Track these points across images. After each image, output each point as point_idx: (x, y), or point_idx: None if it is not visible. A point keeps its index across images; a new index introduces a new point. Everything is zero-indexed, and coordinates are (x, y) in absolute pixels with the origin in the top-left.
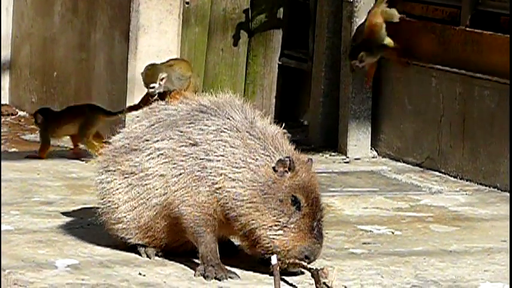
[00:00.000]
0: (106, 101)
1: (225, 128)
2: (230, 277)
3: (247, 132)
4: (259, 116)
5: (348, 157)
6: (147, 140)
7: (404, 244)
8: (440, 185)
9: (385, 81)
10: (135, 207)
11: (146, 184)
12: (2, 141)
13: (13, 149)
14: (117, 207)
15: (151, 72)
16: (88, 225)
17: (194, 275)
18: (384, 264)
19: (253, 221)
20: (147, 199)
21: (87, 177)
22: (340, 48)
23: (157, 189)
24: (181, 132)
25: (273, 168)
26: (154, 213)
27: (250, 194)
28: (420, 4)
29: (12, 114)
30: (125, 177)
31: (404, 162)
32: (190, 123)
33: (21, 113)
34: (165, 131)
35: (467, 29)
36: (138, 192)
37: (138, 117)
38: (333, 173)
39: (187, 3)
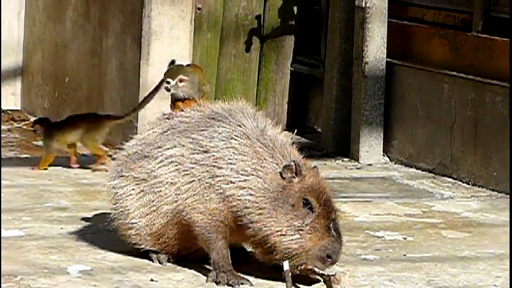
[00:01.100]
0: (118, 107)
1: (235, 135)
2: (242, 283)
3: (257, 140)
4: (271, 125)
5: (360, 163)
6: (159, 147)
7: (416, 250)
8: (452, 191)
9: (397, 87)
10: (147, 214)
11: (158, 191)
12: (14, 147)
13: (25, 155)
14: (129, 213)
15: (174, 69)
16: (100, 231)
17: (206, 281)
18: (396, 270)
19: (266, 228)
20: (159, 206)
21: (99, 183)
22: (352, 54)
23: (168, 197)
24: (193, 139)
25: (280, 174)
26: (166, 220)
27: (260, 201)
28: (432, 10)
29: (24, 120)
30: (137, 184)
31: (416, 168)
32: (201, 130)
33: (33, 118)
34: (176, 138)
35: (479, 35)
36: (150, 199)
37: (150, 123)
38: (345, 179)
39: (199, 9)
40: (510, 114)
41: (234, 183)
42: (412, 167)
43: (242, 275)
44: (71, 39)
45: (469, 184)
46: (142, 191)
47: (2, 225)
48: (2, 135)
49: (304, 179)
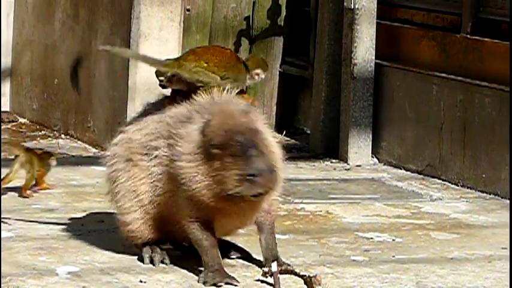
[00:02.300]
0: (107, 108)
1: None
2: (228, 282)
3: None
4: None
5: (348, 164)
6: (149, 141)
7: (405, 251)
8: (441, 192)
9: (386, 88)
10: (141, 207)
11: (150, 183)
12: (3, 148)
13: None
14: (124, 209)
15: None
16: (89, 233)
17: (198, 281)
18: (384, 271)
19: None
20: (150, 200)
21: (88, 184)
22: (341, 55)
23: (159, 188)
24: (172, 133)
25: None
26: (158, 211)
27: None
28: (421, 12)
29: (13, 121)
30: (130, 179)
31: (405, 169)
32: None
33: (22, 120)
34: (160, 130)
35: (468, 36)
36: (142, 191)
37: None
38: (334, 180)
39: (188, 10)
40: (510, 117)
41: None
42: (400, 169)
43: (230, 274)
44: (60, 41)
45: (457, 185)
46: (134, 184)
47: None
48: None
49: (210, 126)
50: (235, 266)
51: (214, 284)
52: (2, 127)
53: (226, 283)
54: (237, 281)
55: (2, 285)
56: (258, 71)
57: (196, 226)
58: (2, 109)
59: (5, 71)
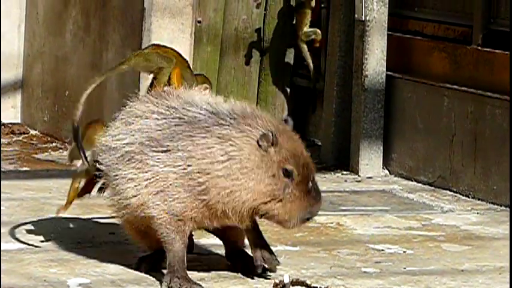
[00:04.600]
0: None
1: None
2: None
3: (214, 126)
4: (223, 101)
5: (359, 176)
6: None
7: (416, 263)
8: (452, 204)
9: (396, 100)
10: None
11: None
12: (14, 160)
13: (25, 168)
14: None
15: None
16: (100, 244)
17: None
18: (395, 283)
19: (247, 201)
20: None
21: (99, 196)
22: (352, 67)
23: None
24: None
25: (257, 142)
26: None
27: (243, 180)
28: (432, 23)
29: (24, 133)
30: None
31: (416, 181)
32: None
33: (33, 131)
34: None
35: (479, 48)
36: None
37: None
38: (345, 192)
39: (199, 22)
40: (510, 127)
41: (210, 174)
42: (411, 180)
43: (195, 281)
44: (71, 52)
45: (468, 197)
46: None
47: (2, 238)
48: (1, 149)
49: (281, 147)
50: (245, 278)
51: None
52: (13, 139)
53: None
54: None
55: None
56: (206, 85)
57: (171, 224)
58: (13, 121)
59: (16, 82)
